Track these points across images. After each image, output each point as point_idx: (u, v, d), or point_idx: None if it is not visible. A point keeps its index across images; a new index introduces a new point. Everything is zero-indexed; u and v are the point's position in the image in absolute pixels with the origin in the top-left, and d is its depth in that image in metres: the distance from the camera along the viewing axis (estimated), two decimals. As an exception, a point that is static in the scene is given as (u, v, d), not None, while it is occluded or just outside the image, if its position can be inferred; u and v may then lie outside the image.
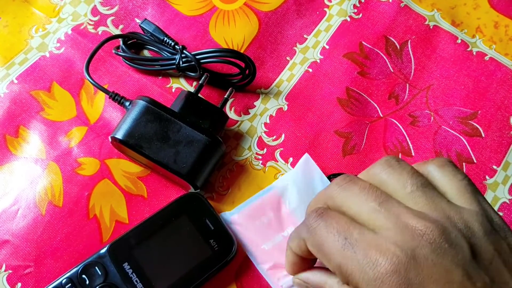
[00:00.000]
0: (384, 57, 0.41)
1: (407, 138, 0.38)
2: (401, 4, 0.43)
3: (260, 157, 0.37)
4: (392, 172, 0.25)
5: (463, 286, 0.21)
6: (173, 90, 0.39)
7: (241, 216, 0.34)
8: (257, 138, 0.38)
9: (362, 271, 0.22)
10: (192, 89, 0.39)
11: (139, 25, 0.39)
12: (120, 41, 0.39)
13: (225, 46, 0.41)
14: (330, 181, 0.35)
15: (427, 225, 0.22)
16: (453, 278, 0.21)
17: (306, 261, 0.28)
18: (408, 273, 0.21)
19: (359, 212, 0.24)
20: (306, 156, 0.36)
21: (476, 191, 0.25)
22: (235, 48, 0.41)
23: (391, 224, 0.23)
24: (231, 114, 0.38)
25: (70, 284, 0.30)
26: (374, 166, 0.26)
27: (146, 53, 0.40)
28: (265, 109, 0.39)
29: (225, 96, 0.36)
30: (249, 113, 0.38)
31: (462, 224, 0.22)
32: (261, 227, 0.34)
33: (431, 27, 0.42)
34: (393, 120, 0.39)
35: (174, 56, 0.37)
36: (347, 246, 0.23)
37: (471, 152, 0.37)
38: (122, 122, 0.33)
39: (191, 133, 0.33)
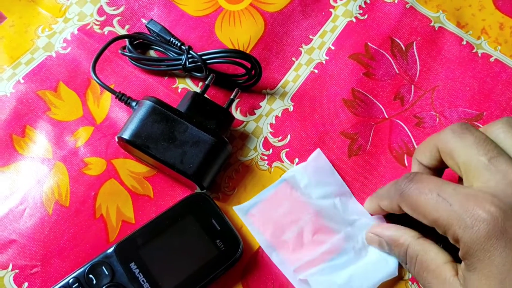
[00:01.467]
0: (390, 58, 0.41)
1: (413, 139, 0.38)
2: (407, 5, 0.43)
3: (265, 157, 0.37)
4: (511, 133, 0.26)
5: None
6: (179, 90, 0.39)
7: (258, 209, 0.34)
8: (262, 139, 0.38)
9: (460, 220, 0.24)
10: (198, 90, 0.39)
11: (145, 26, 0.39)
12: (126, 41, 0.39)
13: (230, 47, 0.41)
14: None
15: None
16: None
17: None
18: (505, 223, 0.23)
19: (467, 163, 0.26)
20: (318, 150, 0.36)
21: None
22: (241, 49, 0.41)
23: (494, 181, 0.24)
24: (237, 115, 0.38)
25: (77, 284, 0.30)
26: (494, 123, 0.27)
27: (152, 53, 0.40)
28: (271, 109, 0.39)
29: (231, 97, 0.36)
30: (254, 114, 0.39)
31: None
32: (279, 218, 0.34)
33: (436, 28, 0.42)
34: (398, 121, 0.39)
35: (180, 57, 0.38)
36: (440, 200, 0.25)
37: (476, 154, 0.37)
38: (129, 122, 0.34)
39: (197, 133, 0.33)
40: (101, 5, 0.42)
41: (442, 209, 0.25)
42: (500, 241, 0.23)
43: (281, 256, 0.33)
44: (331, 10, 0.43)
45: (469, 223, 0.23)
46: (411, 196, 0.27)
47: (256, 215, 0.34)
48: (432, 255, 0.28)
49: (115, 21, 0.41)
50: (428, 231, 0.29)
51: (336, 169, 0.36)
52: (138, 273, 0.31)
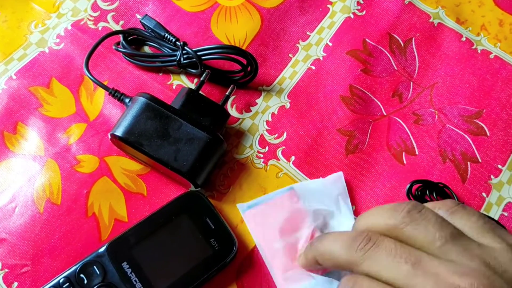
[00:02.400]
0: (388, 54, 0.40)
1: (411, 137, 0.37)
2: (406, 1, 0.42)
3: (261, 155, 0.36)
4: (417, 227, 0.24)
5: None
6: (174, 87, 0.38)
7: (256, 212, 0.33)
8: (258, 136, 0.37)
9: None
10: (193, 86, 0.38)
11: (140, 21, 0.39)
12: (121, 37, 0.38)
13: (226, 43, 0.40)
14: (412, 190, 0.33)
15: (472, 282, 0.21)
16: None
17: None
18: None
19: (394, 278, 0.23)
20: (340, 174, 0.35)
21: (495, 227, 0.24)
22: (237, 45, 0.40)
23: (430, 285, 0.22)
24: (233, 112, 0.38)
25: (67, 284, 0.30)
26: (394, 215, 0.25)
27: (146, 49, 0.40)
28: (267, 106, 0.38)
29: (227, 93, 0.36)
30: (250, 111, 0.38)
31: (499, 268, 0.22)
32: (275, 225, 0.33)
33: (435, 24, 0.42)
34: (396, 118, 0.38)
35: (175, 53, 0.37)
36: None
37: (476, 151, 0.37)
38: (122, 119, 0.33)
39: (191, 130, 0.33)
40: (95, 0, 0.41)
41: None
42: None
43: (270, 261, 0.32)
44: (328, 6, 0.42)
45: None
46: None
47: (253, 217, 0.33)
48: None
49: (109, 17, 0.41)
50: None
51: (333, 167, 0.36)
52: (131, 273, 0.30)
